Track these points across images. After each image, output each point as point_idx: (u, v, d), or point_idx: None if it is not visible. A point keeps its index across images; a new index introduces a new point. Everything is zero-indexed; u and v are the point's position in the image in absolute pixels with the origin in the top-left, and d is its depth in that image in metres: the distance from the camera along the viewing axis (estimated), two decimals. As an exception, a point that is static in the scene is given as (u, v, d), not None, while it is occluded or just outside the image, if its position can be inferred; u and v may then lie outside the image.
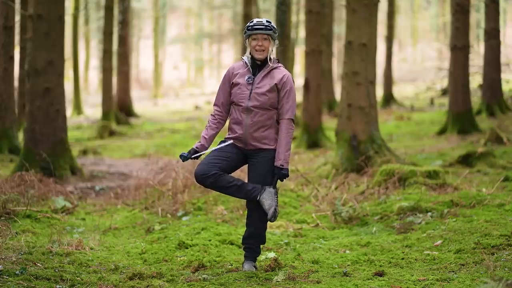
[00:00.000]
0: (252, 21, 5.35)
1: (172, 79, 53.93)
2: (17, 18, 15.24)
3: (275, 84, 5.28)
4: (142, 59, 54.18)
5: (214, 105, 5.44)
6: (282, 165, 5.26)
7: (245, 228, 5.49)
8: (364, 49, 10.25)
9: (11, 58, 13.51)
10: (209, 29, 53.88)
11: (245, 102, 5.29)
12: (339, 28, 35.38)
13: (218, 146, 5.35)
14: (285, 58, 19.84)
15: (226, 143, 5.33)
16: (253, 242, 5.44)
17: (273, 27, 5.31)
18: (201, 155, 5.33)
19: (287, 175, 5.30)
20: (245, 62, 5.38)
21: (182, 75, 55.92)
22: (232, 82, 5.35)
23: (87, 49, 43.20)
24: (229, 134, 5.39)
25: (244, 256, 5.49)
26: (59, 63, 10.51)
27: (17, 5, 14.66)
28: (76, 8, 28.16)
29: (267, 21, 5.33)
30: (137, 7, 40.86)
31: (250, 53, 5.35)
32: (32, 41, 10.44)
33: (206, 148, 5.36)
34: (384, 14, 28.36)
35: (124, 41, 26.22)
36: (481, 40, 33.17)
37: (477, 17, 32.03)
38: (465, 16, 15.47)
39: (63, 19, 10.58)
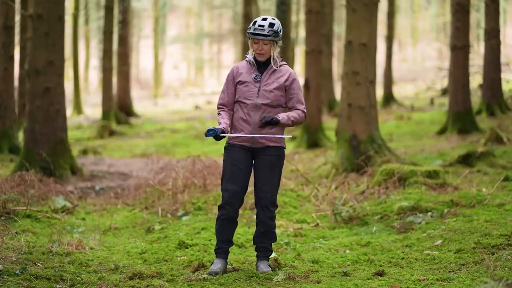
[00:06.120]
0: (255, 23, 5.29)
1: (172, 79, 53.89)
2: (17, 18, 15.25)
3: (283, 82, 5.33)
4: (142, 59, 54.14)
5: (221, 105, 5.38)
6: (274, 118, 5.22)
7: (255, 228, 5.49)
8: (364, 49, 10.25)
9: (11, 58, 13.52)
10: (209, 29, 53.85)
11: (253, 99, 5.29)
12: (339, 28, 35.34)
13: (232, 135, 5.28)
14: (285, 58, 19.84)
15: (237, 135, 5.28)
16: (265, 240, 5.44)
17: (275, 32, 5.25)
18: (225, 136, 5.26)
19: (273, 121, 5.21)
20: (250, 61, 5.39)
21: (182, 75, 55.88)
22: (239, 80, 5.35)
23: (87, 49, 43.18)
24: (232, 133, 5.37)
25: (257, 256, 5.48)
26: (59, 63, 10.51)
27: (17, 5, 14.66)
28: (76, 8, 28.16)
29: (270, 24, 5.25)
30: (137, 7, 40.81)
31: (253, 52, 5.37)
32: (32, 41, 10.44)
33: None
34: (384, 14, 28.32)
35: (124, 41, 26.21)
36: (481, 40, 33.16)
37: (477, 17, 32.00)
38: (465, 16, 15.46)
39: (63, 19, 10.58)
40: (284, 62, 5.46)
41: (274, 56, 5.35)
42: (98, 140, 19.21)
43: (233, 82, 5.39)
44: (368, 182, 8.84)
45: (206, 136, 5.17)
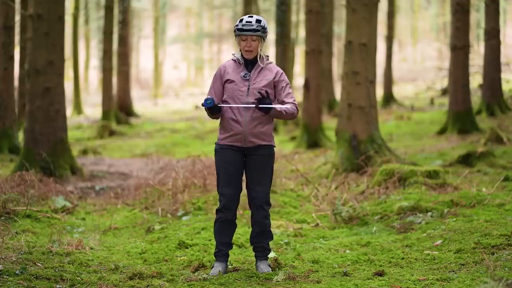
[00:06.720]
0: (242, 20, 5.29)
1: (172, 79, 53.89)
2: (17, 18, 15.25)
3: (272, 79, 5.32)
4: (142, 59, 54.15)
5: None
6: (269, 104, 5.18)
7: (251, 228, 5.48)
8: (364, 49, 10.25)
9: (11, 58, 13.52)
10: (209, 29, 53.84)
11: (243, 98, 5.27)
12: (339, 28, 35.34)
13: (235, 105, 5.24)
14: (285, 58, 19.84)
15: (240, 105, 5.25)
16: (262, 239, 5.44)
17: (262, 27, 5.26)
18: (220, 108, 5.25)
19: (265, 103, 5.17)
20: (237, 60, 5.37)
21: (182, 75, 55.88)
22: (227, 79, 5.32)
23: (87, 49, 43.18)
24: (222, 133, 5.34)
25: (256, 256, 5.47)
26: (59, 63, 10.51)
27: (17, 5, 14.66)
28: (76, 8, 28.16)
29: (257, 20, 5.27)
30: (137, 6, 40.81)
31: (240, 51, 5.36)
32: (32, 41, 10.44)
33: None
34: (384, 14, 28.33)
35: (124, 41, 26.21)
36: (481, 40, 33.15)
37: (477, 17, 32.00)
38: (465, 16, 15.47)
39: (63, 19, 10.58)
40: (271, 61, 5.45)
41: (261, 54, 5.35)
42: (98, 140, 19.21)
43: (221, 81, 5.36)
44: (368, 182, 8.84)
45: (203, 106, 5.18)
